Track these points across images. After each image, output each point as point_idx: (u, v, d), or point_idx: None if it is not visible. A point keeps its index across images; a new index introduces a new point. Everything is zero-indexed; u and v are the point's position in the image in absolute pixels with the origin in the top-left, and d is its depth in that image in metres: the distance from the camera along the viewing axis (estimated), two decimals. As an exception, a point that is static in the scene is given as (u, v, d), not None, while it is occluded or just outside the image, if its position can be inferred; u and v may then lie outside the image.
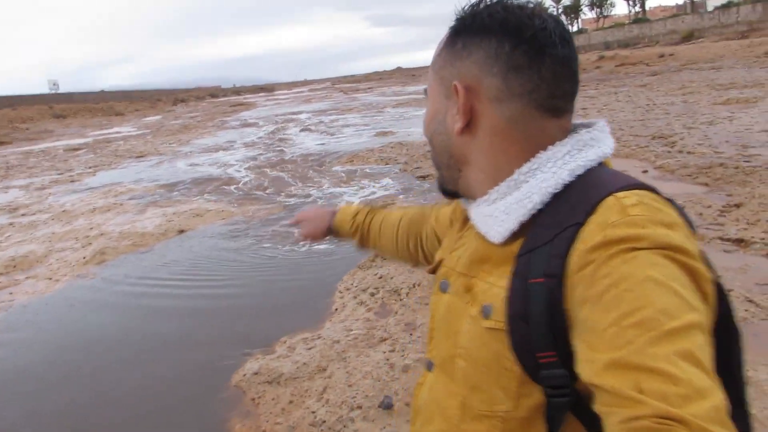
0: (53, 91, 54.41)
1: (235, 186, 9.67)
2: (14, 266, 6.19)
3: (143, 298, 4.93)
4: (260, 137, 17.56)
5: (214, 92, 78.60)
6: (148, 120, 34.68)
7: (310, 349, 3.53)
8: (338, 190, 8.44)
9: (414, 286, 4.08)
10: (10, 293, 5.39)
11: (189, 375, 3.56)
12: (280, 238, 6.22)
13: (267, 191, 9.04)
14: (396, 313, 3.78)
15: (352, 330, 3.65)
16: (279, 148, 14.18)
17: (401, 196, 7.33)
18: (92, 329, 4.40)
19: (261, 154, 13.33)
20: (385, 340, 3.43)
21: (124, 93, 62.79)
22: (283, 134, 17.72)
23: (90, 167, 13.87)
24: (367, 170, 9.57)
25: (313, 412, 2.88)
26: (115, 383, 3.52)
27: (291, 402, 3.07)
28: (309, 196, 8.28)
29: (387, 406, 2.71)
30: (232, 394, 3.27)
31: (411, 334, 3.39)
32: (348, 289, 4.47)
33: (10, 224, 8.14)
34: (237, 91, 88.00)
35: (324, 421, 2.77)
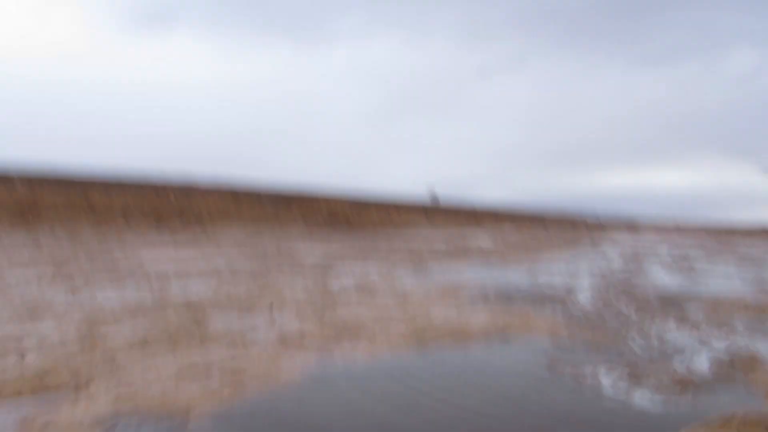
0: (432, 201, 60.45)
1: (570, 305, 8.95)
2: (344, 329, 6.43)
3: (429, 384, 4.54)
4: (611, 269, 16.48)
5: (577, 223, 78.64)
6: (507, 238, 35.81)
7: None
8: (686, 333, 7.08)
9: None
10: (332, 351, 5.54)
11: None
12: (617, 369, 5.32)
13: (600, 315, 8.11)
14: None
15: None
16: (634, 284, 12.99)
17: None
18: (362, 402, 4.13)
19: (606, 283, 12.34)
20: None
21: (491, 213, 66.70)
22: (636, 268, 16.35)
23: (439, 261, 14.54)
24: (732, 319, 7.96)
25: None
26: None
27: None
28: (660, 336, 7.11)
29: None
30: None
31: None
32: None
33: (357, 293, 8.71)
34: (600, 224, 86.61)
35: None
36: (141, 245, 15.06)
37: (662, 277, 13.83)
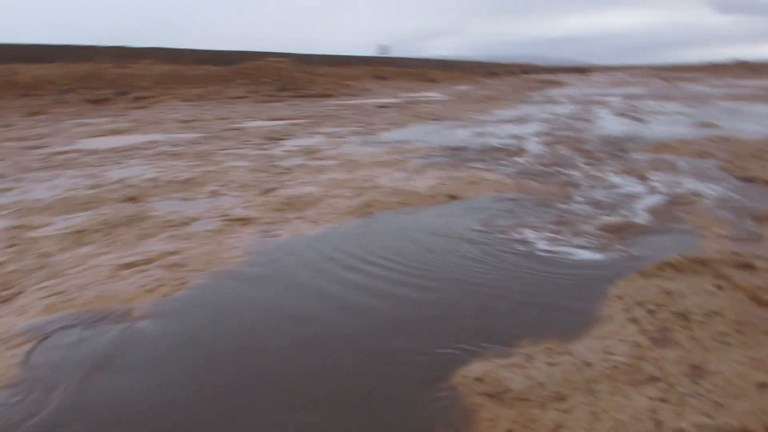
0: (383, 55, 58.69)
1: (521, 158, 8.96)
2: (289, 204, 6.34)
3: (380, 255, 4.53)
4: (561, 115, 16.48)
5: (527, 69, 77.82)
6: (456, 89, 35.40)
7: (552, 365, 2.73)
8: (632, 179, 7.19)
9: (712, 314, 2.98)
10: (278, 230, 5.45)
11: (404, 351, 3.01)
12: (549, 225, 5.38)
13: (552, 168, 8.16)
14: (679, 345, 2.76)
15: (612, 354, 2.74)
16: (578, 128, 13.03)
17: (711, 197, 5.90)
18: (309, 292, 4.10)
19: (557, 131, 12.35)
20: (655, 380, 2.47)
21: (442, 62, 65.14)
22: (587, 114, 16.38)
23: (390, 124, 14.32)
24: (675, 161, 8.09)
25: (533, 456, 2.11)
26: (315, 356, 3.13)
27: (509, 431, 2.33)
28: (594, 181, 7.20)
29: (638, 486, 1.83)
30: (444, 395, 2.63)
31: (696, 383, 2.38)
32: (620, 298, 3.52)
33: (302, 165, 8.54)
34: (550, 69, 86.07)
35: (544, 476, 2.00)
36: (74, 125, 14.38)
37: (610, 123, 13.92)
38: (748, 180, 6.52)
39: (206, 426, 2.53)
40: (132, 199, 6.66)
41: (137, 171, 8.22)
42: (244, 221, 5.73)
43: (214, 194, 6.86)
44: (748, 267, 3.44)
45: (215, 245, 4.96)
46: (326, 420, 2.51)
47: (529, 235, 5.02)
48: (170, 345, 3.22)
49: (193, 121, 15.39)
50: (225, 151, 9.97)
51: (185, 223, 5.70)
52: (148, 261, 4.59)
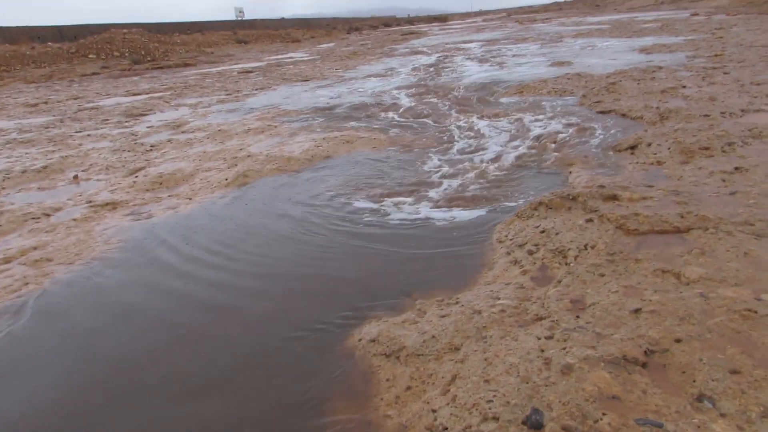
0: (239, 18, 56.66)
1: (392, 113, 9.00)
2: (161, 183, 6.03)
3: (262, 227, 4.41)
4: (426, 65, 16.68)
5: (388, 21, 78.04)
6: (321, 47, 34.88)
7: (443, 317, 2.77)
8: (501, 124, 7.42)
9: (586, 248, 3.13)
10: (149, 211, 5.17)
11: (295, 325, 2.95)
12: (424, 177, 5.46)
13: (424, 120, 8.26)
14: (559, 282, 2.88)
15: (499, 299, 2.82)
16: (443, 77, 13.25)
17: (572, 130, 6.20)
18: (191, 261, 3.94)
19: (424, 83, 12.50)
20: (541, 319, 2.58)
21: (302, 21, 63.93)
22: (450, 63, 16.68)
23: (257, 89, 13.90)
24: (538, 102, 8.43)
25: (434, 411, 2.14)
26: (206, 324, 3.01)
27: (408, 389, 2.35)
28: (470, 127, 7.37)
29: (535, 425, 1.89)
30: (339, 362, 2.61)
31: (577, 317, 2.50)
32: (500, 242, 3.63)
33: (169, 141, 8.12)
34: (411, 20, 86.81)
35: (446, 428, 2.02)
36: None
37: (473, 70, 14.25)
38: (605, 113, 6.90)
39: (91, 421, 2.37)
40: (-20, 196, 6.08)
41: (-18, 164, 7.49)
42: (112, 205, 5.39)
43: (75, 180, 6.39)
44: (612, 198, 3.64)
45: (82, 234, 4.63)
46: (221, 402, 2.42)
47: (404, 189, 5.06)
48: (44, 344, 2.98)
49: (43, 103, 14.20)
50: (82, 133, 9.28)
51: (46, 215, 5.28)
52: (7, 260, 4.23)
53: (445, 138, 6.97)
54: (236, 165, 6.38)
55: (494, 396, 2.08)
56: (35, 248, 4.43)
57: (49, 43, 28.72)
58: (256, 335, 2.93)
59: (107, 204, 5.43)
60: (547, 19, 47.92)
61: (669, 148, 4.88)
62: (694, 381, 1.98)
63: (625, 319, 2.39)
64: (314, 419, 2.27)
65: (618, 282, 2.70)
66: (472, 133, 7.03)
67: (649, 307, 2.42)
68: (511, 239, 3.57)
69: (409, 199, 4.79)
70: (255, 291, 3.41)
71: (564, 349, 2.25)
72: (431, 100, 9.95)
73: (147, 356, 2.84)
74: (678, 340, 2.19)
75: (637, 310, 2.42)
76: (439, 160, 5.98)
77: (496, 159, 5.76)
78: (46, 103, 14.30)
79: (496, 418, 1.97)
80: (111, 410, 2.47)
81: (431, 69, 15.40)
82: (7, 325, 3.26)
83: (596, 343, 2.23)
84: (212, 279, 3.64)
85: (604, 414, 1.87)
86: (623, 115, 6.60)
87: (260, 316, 3.12)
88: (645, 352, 2.14)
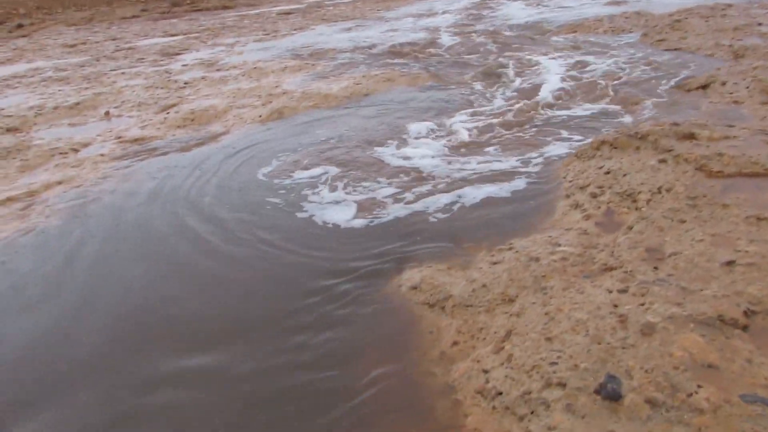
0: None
1: (435, 50, 8.50)
2: (192, 120, 5.75)
3: (289, 167, 4.10)
4: (470, 4, 15.92)
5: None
6: (363, -11, 33.90)
7: (495, 264, 2.43)
8: (554, 62, 6.88)
9: (660, 191, 2.72)
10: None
11: (322, 274, 2.65)
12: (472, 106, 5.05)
13: (469, 57, 7.77)
14: (630, 228, 2.50)
15: (559, 245, 2.46)
16: (488, 16, 12.58)
17: (633, 67, 5.66)
18: (210, 197, 3.66)
19: (468, 21, 11.86)
20: (611, 269, 2.21)
21: (345, -37, 62.40)
22: (495, 1, 15.88)
23: (295, 29, 13.43)
24: (594, 40, 7.83)
25: (485, 371, 1.82)
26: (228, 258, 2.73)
27: (455, 344, 2.04)
28: (520, 64, 6.86)
29: (611, 395, 1.56)
30: (378, 307, 2.31)
31: (656, 269, 2.13)
32: (560, 185, 3.24)
33: (203, 78, 7.82)
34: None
35: (500, 393, 1.71)
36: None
37: (519, 8, 13.52)
38: (669, 50, 6.33)
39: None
40: (12, 130, 5.91)
41: (18, 100, 7.31)
42: (141, 141, 5.15)
43: (107, 116, 6.16)
44: (689, 137, 3.20)
45: (108, 170, 4.41)
46: (256, 349, 2.15)
47: (453, 125, 4.67)
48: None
49: (81, 44, 14.00)
50: (117, 71, 9.03)
51: (75, 150, 5.08)
52: (30, 194, 4.05)
53: (493, 76, 6.49)
54: (271, 102, 6.05)
55: (559, 358, 1.74)
56: (59, 183, 4.23)
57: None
58: (282, 281, 2.65)
59: (137, 140, 5.19)
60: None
61: (747, 87, 4.36)
62: (809, 349, 1.62)
63: (716, 272, 2.01)
64: (344, 374, 1.98)
65: (703, 230, 2.31)
66: (521, 71, 6.53)
67: (744, 260, 2.04)
68: (570, 181, 3.18)
69: (456, 127, 4.40)
70: (283, 227, 3.12)
71: (642, 305, 1.89)
72: (477, 39, 9.39)
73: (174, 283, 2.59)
74: (784, 299, 1.82)
75: (730, 263, 2.03)
76: (485, 93, 5.55)
77: (554, 94, 5.30)
78: (84, 43, 14.11)
79: (562, 385, 1.64)
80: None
81: (475, 8, 14.67)
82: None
83: (683, 300, 1.87)
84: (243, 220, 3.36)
85: (699, 386, 1.52)
86: (691, 53, 6.03)
87: (287, 257, 2.83)
88: (745, 312, 1.77)
